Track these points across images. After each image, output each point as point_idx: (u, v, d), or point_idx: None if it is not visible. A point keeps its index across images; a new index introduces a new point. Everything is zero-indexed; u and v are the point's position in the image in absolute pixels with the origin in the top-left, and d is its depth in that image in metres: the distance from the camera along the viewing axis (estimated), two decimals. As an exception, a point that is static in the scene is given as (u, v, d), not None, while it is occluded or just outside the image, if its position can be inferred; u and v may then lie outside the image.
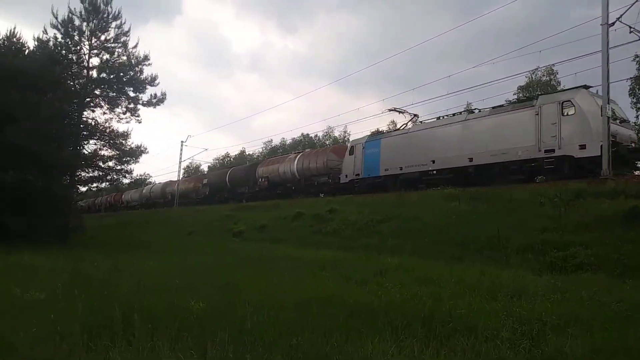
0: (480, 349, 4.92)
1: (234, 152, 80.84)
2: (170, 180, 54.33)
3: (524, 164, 18.55)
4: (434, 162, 22.27)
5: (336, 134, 65.73)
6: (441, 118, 23.95)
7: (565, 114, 17.52)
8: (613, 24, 17.36)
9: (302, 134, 69.54)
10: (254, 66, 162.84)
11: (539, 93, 27.41)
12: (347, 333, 5.41)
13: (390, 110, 29.15)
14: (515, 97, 35.83)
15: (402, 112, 27.73)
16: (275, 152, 67.13)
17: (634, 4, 17.07)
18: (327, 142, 63.74)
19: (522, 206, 14.45)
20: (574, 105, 17.39)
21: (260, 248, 16.38)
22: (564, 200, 13.12)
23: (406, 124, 26.80)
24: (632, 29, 17.40)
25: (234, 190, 40.69)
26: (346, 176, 27.87)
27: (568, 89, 19.84)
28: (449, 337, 5.34)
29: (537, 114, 18.32)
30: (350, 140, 37.18)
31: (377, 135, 28.28)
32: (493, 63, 41.53)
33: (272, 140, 72.99)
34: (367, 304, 6.75)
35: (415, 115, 27.47)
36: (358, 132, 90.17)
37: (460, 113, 23.07)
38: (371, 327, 5.64)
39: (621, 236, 10.10)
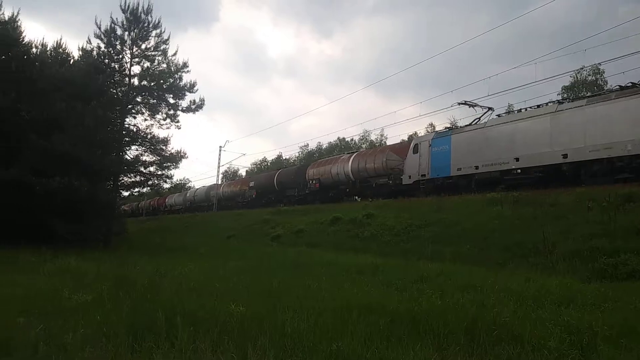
0: (527, 359, 4.75)
1: (270, 156, 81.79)
2: (216, 184, 54.41)
3: (635, 159, 15.92)
4: (517, 159, 19.87)
5: (372, 137, 65.55)
6: (523, 110, 21.83)
7: None
8: None
9: (338, 138, 69.72)
10: (290, 71, 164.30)
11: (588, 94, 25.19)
12: (387, 340, 5.32)
13: (460, 103, 26.29)
14: (559, 97, 34.73)
15: (473, 106, 25.17)
16: (311, 157, 67.47)
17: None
18: (363, 146, 63.60)
19: (569, 211, 13.97)
20: None
21: (298, 252, 16.41)
22: (613, 205, 12.57)
23: (478, 118, 24.35)
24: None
25: (282, 193, 39.55)
26: (409, 177, 25.52)
27: None
28: (493, 346, 5.17)
29: None
30: (413, 138, 34.35)
31: (446, 131, 25.54)
32: (535, 64, 40.02)
33: (308, 144, 73.44)
34: (408, 310, 6.62)
35: (489, 108, 24.99)
36: (394, 135, 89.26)
37: (547, 104, 20.55)
38: (412, 334, 5.53)
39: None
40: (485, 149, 21.23)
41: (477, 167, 21.62)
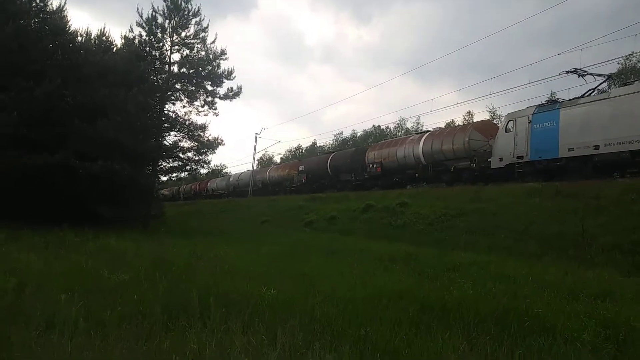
0: (558, 351, 4.67)
1: (305, 144, 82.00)
2: (261, 168, 52.56)
3: None
4: None
5: (408, 125, 64.79)
6: None
7: None
8: None
9: (373, 125, 69.20)
10: (327, 58, 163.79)
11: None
12: (417, 327, 5.33)
13: (568, 72, 22.07)
14: (606, 85, 33.34)
15: (583, 75, 21.41)
16: (345, 144, 67.26)
17: None
18: (399, 134, 62.94)
19: (611, 203, 13.48)
20: None
21: (331, 239, 16.51)
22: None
23: (594, 89, 20.80)
24: None
25: (336, 177, 36.62)
26: (500, 159, 22.00)
27: None
28: (525, 337, 5.11)
29: None
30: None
31: (552, 104, 21.79)
32: (580, 49, 38.15)
33: (342, 132, 73.22)
34: (439, 298, 6.60)
35: (608, 76, 21.79)
36: (431, 123, 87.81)
37: None
38: (442, 322, 5.52)
39: None
40: (609, 124, 17.87)
41: (597, 147, 18.24)
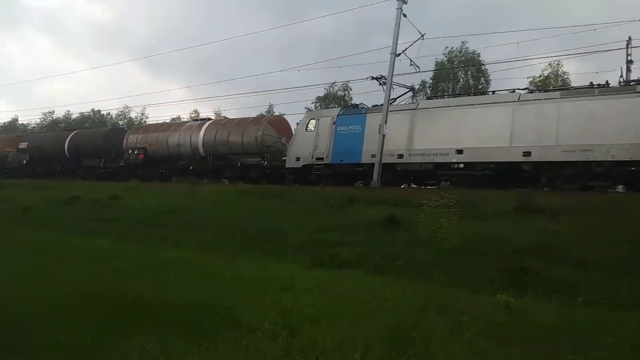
0: (242, 341, 5.07)
1: (4, 119, 69.77)
2: None
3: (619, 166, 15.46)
4: (460, 152, 17.75)
5: (132, 115, 61.71)
6: (472, 95, 20.24)
7: None
8: (399, 54, 20.40)
9: (93, 109, 63.27)
10: (49, 26, 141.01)
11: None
12: (105, 328, 5.06)
13: (374, 78, 21.71)
14: (313, 105, 38.60)
15: (383, 84, 20.99)
16: (56, 126, 59.76)
17: (415, 42, 20.21)
18: (121, 123, 59.33)
19: (305, 207, 15.53)
20: None
21: (21, 234, 14.23)
22: (339, 204, 14.56)
23: (395, 99, 21.17)
24: (412, 62, 20.53)
25: (77, 162, 30.93)
26: (297, 159, 21.18)
27: None
28: (217, 330, 5.39)
29: None
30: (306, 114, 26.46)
31: (359, 108, 21.58)
32: (298, 70, 43.19)
33: (54, 111, 64.86)
34: (137, 297, 6.41)
35: (410, 88, 22.28)
36: (157, 116, 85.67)
37: (512, 91, 18.68)
38: (133, 322, 5.36)
39: (380, 239, 11.59)
40: (417, 136, 18.41)
41: (401, 156, 18.64)
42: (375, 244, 11.11)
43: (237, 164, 24.12)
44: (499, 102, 18.17)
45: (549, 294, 6.96)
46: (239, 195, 17.77)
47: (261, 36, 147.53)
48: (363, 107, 22.15)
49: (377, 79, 21.67)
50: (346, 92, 44.69)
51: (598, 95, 16.17)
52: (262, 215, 15.29)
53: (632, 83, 17.35)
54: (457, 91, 37.59)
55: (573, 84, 23.09)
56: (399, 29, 20.24)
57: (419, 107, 20.17)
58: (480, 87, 38.68)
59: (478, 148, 17.39)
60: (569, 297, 6.76)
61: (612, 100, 15.84)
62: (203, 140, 25.14)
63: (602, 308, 6.29)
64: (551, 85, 29.61)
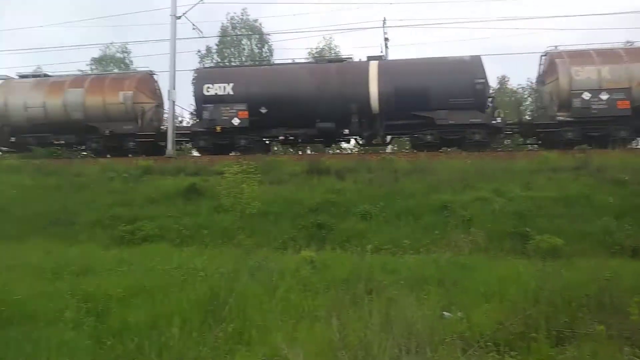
0: (40, 336, 4.52)
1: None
2: None
3: None
4: None
5: None
6: None
7: None
8: (180, 17, 19.43)
9: None
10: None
11: None
12: None
13: None
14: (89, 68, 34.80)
15: None
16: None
17: (196, 4, 19.61)
18: None
19: (93, 181, 14.16)
20: None
21: None
22: (133, 176, 13.65)
23: None
24: (194, 26, 20.08)
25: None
26: None
27: None
28: (4, 329, 4.71)
29: None
30: None
31: None
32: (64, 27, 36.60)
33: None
34: None
35: None
36: None
37: None
38: None
39: (182, 209, 11.33)
40: None
41: None
42: (178, 216, 10.86)
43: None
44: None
45: (344, 245, 7.83)
46: (9, 173, 15.20)
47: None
48: None
49: None
50: (126, 54, 41.39)
51: None
52: (39, 194, 13.41)
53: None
54: (244, 59, 37.80)
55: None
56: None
57: None
58: (265, 55, 39.33)
59: None
60: (360, 246, 7.69)
61: None
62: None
63: (387, 253, 7.37)
64: (326, 56, 31.99)
